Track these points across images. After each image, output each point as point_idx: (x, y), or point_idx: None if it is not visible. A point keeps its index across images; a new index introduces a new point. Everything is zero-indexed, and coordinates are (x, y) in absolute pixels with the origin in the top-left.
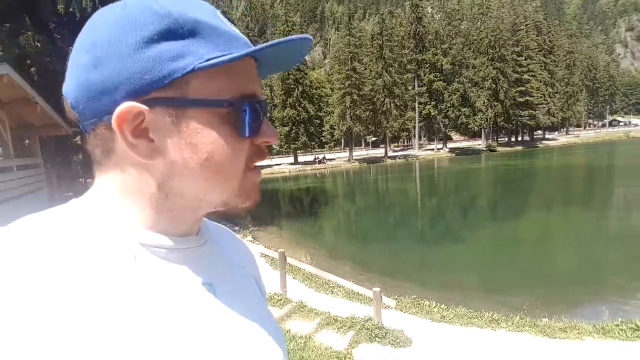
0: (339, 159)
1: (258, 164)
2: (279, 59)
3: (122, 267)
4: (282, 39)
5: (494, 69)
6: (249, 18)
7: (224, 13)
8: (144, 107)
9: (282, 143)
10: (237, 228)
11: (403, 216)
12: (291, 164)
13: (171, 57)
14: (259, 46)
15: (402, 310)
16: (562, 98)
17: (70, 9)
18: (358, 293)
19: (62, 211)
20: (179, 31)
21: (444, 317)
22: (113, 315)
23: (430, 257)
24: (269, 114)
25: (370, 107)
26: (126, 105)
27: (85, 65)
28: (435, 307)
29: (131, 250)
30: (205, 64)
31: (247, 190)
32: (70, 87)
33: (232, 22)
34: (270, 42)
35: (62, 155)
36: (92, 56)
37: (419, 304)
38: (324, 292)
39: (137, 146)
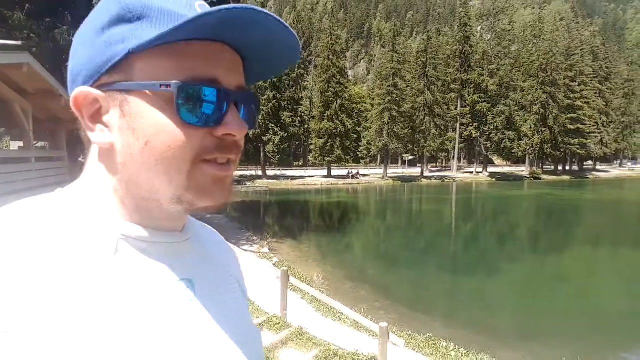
0: (373, 175)
1: (221, 158)
2: (260, 53)
3: (101, 262)
4: (223, 7)
5: (543, 93)
6: (296, 31)
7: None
8: (97, 92)
9: (317, 155)
10: (255, 238)
11: (433, 241)
12: (324, 177)
13: (116, 41)
14: (191, 16)
15: (414, 349)
16: (618, 128)
17: None
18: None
19: (47, 200)
20: (127, 16)
21: None
22: (89, 309)
23: (458, 289)
24: (305, 125)
25: (409, 124)
26: (78, 90)
27: (70, 57)
28: (453, 350)
29: (112, 242)
30: (138, 44)
31: (201, 185)
32: None
33: None
34: (206, 11)
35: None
36: (71, 48)
37: (435, 344)
38: (331, 317)
39: (94, 131)
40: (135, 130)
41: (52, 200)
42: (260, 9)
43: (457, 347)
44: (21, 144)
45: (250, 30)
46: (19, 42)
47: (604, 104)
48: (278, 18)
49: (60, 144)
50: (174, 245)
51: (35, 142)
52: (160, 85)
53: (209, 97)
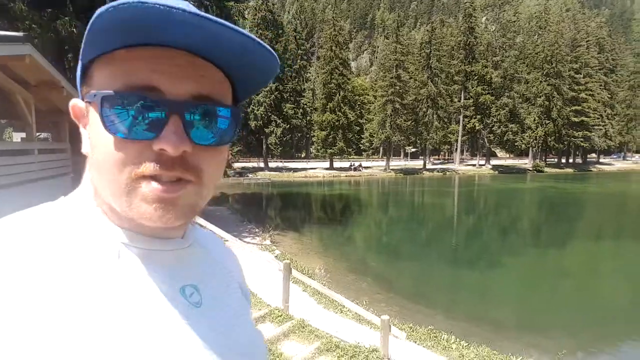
0: (375, 167)
1: (166, 176)
2: (231, 62)
3: (105, 266)
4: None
5: (548, 85)
6: (298, 21)
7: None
8: (82, 103)
9: (319, 147)
10: (257, 230)
11: (435, 233)
12: (326, 169)
13: (82, 53)
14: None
15: (415, 342)
16: (622, 121)
17: None
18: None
19: (50, 209)
20: (89, 26)
21: (462, 356)
22: (96, 311)
23: (460, 282)
24: (308, 117)
25: (412, 117)
26: (72, 102)
27: None
28: (454, 342)
29: (114, 248)
30: (81, 55)
31: (140, 204)
32: None
33: (269, 22)
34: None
35: None
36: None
37: (436, 336)
38: (333, 309)
39: (84, 140)
40: (90, 140)
41: (54, 208)
42: (203, 16)
43: (458, 339)
44: (24, 135)
45: (182, 29)
46: (20, 34)
47: (609, 96)
48: (197, 12)
49: (63, 136)
50: (177, 252)
51: (38, 134)
52: (94, 95)
53: (136, 107)
